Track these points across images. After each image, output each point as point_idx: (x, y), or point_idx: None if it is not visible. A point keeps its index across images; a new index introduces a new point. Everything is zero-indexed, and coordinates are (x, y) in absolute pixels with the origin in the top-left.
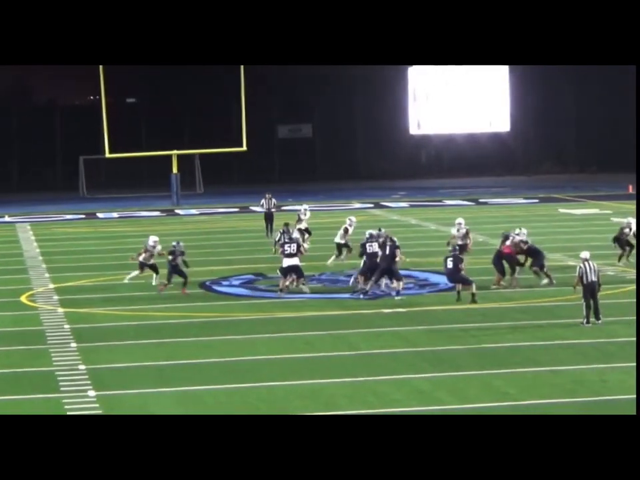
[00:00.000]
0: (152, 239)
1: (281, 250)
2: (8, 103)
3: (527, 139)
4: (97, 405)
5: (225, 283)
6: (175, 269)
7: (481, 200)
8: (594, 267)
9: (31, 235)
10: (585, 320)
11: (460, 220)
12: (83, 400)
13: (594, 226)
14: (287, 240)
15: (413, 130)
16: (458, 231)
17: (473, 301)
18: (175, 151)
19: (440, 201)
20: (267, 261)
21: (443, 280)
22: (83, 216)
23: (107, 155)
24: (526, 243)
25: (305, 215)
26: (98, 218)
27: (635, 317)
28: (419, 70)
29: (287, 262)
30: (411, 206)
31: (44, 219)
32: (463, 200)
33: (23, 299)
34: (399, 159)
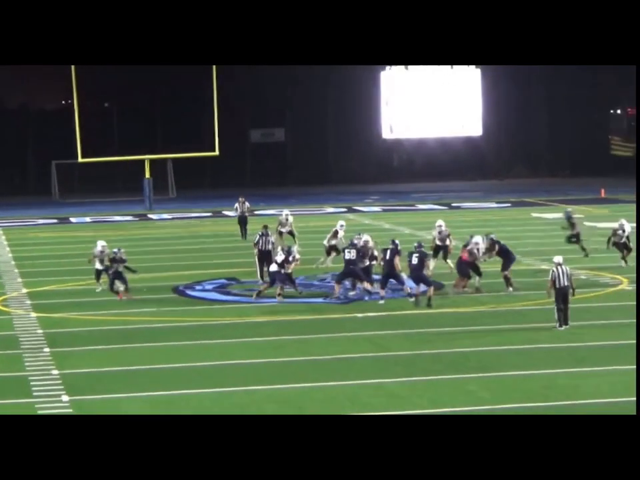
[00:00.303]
0: (100, 244)
1: (257, 251)
2: None
3: (499, 143)
4: (71, 410)
5: (198, 287)
6: (116, 275)
7: (453, 204)
8: (567, 271)
9: (4, 240)
10: (558, 324)
11: (440, 222)
12: (56, 405)
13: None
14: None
15: (386, 134)
16: (440, 233)
17: (429, 305)
18: (148, 156)
19: (413, 205)
20: (241, 265)
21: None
22: (56, 220)
23: (80, 159)
24: (497, 242)
25: (287, 220)
26: (71, 222)
27: (635, 318)
28: (392, 73)
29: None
30: (384, 210)
31: (16, 223)
32: (436, 204)
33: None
34: (371, 162)
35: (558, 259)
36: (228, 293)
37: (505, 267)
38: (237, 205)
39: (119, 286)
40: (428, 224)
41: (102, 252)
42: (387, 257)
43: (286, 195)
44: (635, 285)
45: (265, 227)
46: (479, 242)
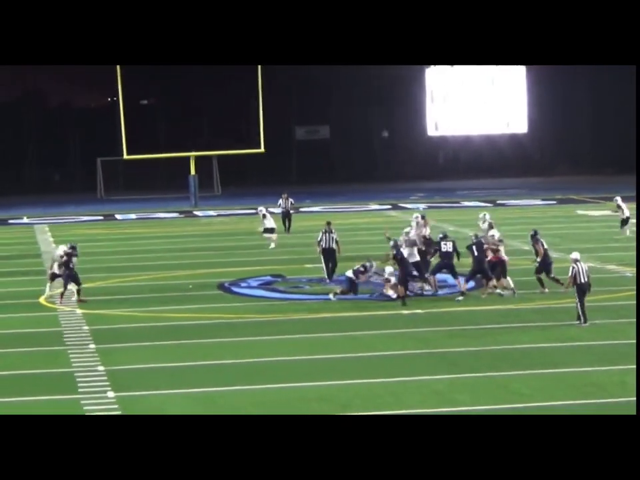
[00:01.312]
0: (62, 249)
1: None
2: (22, 106)
3: (544, 141)
4: (116, 406)
5: (243, 284)
6: (71, 276)
7: (498, 201)
8: (585, 267)
9: (49, 237)
10: (583, 319)
11: (483, 213)
12: (102, 401)
13: (612, 227)
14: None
15: (431, 131)
16: (483, 222)
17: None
18: (193, 153)
19: (457, 202)
20: (286, 262)
21: (462, 281)
22: (101, 217)
23: (125, 156)
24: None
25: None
26: (116, 219)
27: (636, 318)
28: (437, 71)
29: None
30: (429, 207)
31: (62, 220)
32: (481, 201)
33: (42, 300)
34: (416, 160)
35: (575, 255)
36: (273, 290)
37: (542, 269)
38: (280, 201)
39: (73, 287)
40: (473, 221)
41: (61, 257)
42: (476, 253)
43: (331, 192)
44: None
45: (328, 224)
46: (495, 235)
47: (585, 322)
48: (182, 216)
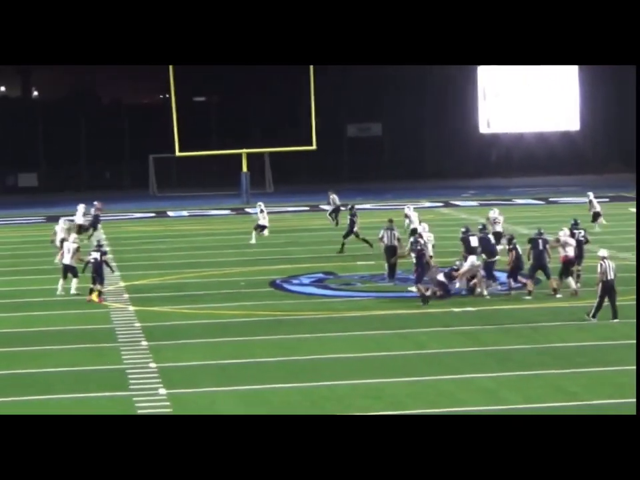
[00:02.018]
0: (72, 237)
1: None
2: (74, 103)
3: (596, 138)
4: (168, 404)
5: (295, 281)
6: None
7: (550, 199)
8: (612, 265)
9: (102, 234)
10: (592, 315)
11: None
12: (154, 398)
13: None
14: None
15: (483, 129)
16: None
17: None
18: (245, 150)
19: (509, 200)
20: (338, 259)
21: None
22: (153, 214)
23: (177, 153)
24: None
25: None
26: (168, 216)
27: (636, 318)
28: (489, 68)
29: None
30: (480, 205)
31: (114, 217)
32: (533, 199)
33: (94, 297)
34: (468, 157)
35: (603, 252)
36: (325, 287)
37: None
38: (330, 197)
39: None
40: (524, 218)
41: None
42: (540, 247)
43: (382, 190)
44: None
45: (390, 221)
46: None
47: (594, 317)
48: (234, 213)
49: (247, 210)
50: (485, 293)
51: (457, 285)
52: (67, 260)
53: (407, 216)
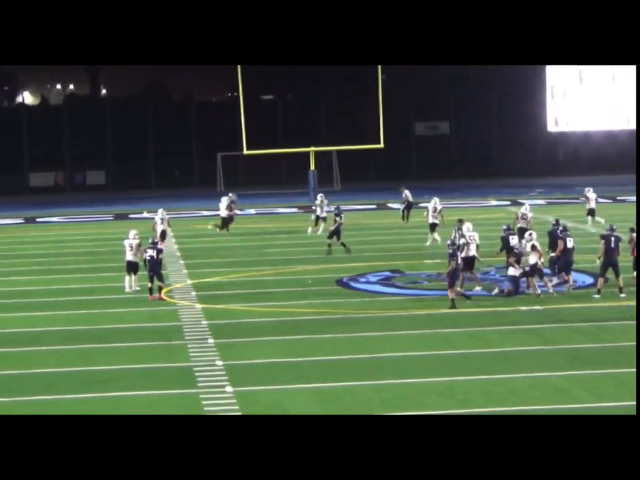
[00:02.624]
0: (132, 233)
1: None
2: (145, 100)
3: None
4: (234, 401)
5: (362, 279)
6: (154, 267)
7: (619, 197)
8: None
9: (169, 231)
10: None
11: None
12: (221, 396)
13: None
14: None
15: (551, 127)
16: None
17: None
18: (312, 148)
19: (577, 198)
20: (405, 258)
21: (581, 277)
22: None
23: (245, 151)
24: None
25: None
26: (236, 214)
27: (636, 318)
28: (557, 67)
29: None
30: (548, 203)
31: (182, 215)
32: (601, 197)
33: (162, 294)
34: (536, 155)
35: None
36: (392, 286)
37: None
38: (405, 193)
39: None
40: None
41: (132, 246)
42: (612, 245)
43: (449, 188)
44: None
45: (460, 221)
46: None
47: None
48: (301, 211)
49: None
50: (539, 292)
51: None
52: (130, 256)
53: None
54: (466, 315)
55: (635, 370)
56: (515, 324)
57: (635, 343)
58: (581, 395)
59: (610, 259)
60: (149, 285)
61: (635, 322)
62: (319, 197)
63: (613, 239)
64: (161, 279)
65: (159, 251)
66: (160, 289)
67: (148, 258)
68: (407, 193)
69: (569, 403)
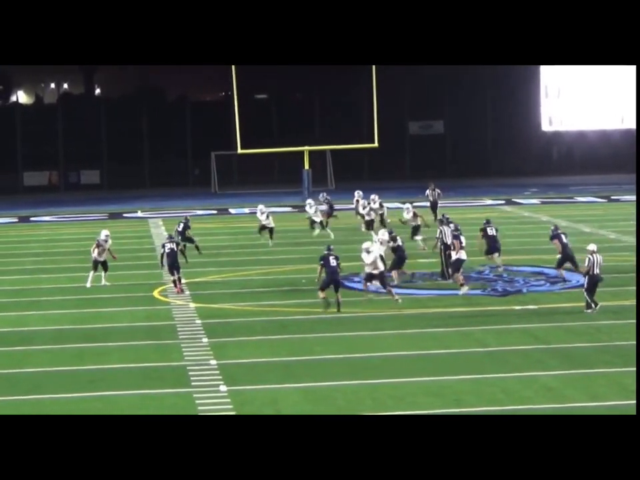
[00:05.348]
0: (103, 233)
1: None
2: (140, 100)
3: None
4: (229, 400)
5: (355, 278)
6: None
7: (612, 197)
8: (600, 260)
9: (163, 231)
10: (588, 307)
11: (407, 205)
12: (215, 395)
13: None
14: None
15: (545, 126)
16: (407, 214)
17: (338, 308)
18: (307, 147)
19: (571, 198)
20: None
21: (575, 277)
22: (215, 212)
23: (239, 150)
24: None
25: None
26: (229, 214)
27: (636, 318)
28: (551, 66)
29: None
30: (542, 202)
31: (176, 214)
32: (595, 197)
33: (155, 293)
34: (530, 155)
35: (592, 246)
36: (385, 285)
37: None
38: (428, 191)
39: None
40: (586, 217)
41: (105, 241)
42: (564, 241)
43: (444, 187)
44: None
45: (446, 219)
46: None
47: (596, 306)
48: (295, 210)
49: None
50: None
51: None
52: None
53: None
54: (457, 314)
55: (626, 369)
56: (508, 323)
57: (635, 344)
58: (572, 395)
59: (566, 253)
60: (173, 277)
61: (628, 321)
62: (307, 203)
63: (562, 236)
64: (178, 271)
65: (177, 244)
66: (179, 279)
67: (168, 251)
68: (428, 192)
69: (561, 403)
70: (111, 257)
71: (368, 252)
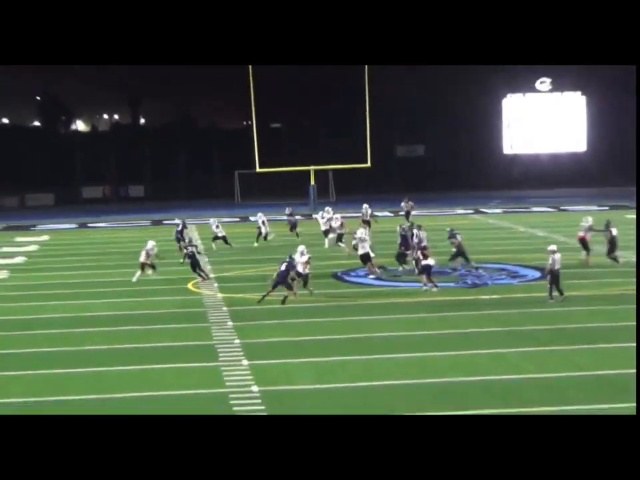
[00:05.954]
0: (150, 243)
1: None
2: (176, 127)
3: (600, 157)
4: (249, 372)
5: (352, 273)
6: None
7: (562, 207)
8: (559, 257)
9: (196, 235)
10: (550, 297)
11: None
12: (238, 368)
13: None
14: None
15: (507, 150)
16: (322, 217)
17: (283, 302)
18: (312, 167)
19: (528, 208)
20: (390, 256)
21: (531, 272)
22: (238, 219)
23: (258, 169)
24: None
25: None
26: (250, 221)
27: (636, 318)
28: (512, 100)
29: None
30: (504, 212)
31: (207, 221)
32: (547, 207)
33: (190, 286)
34: (494, 173)
35: (553, 247)
36: (378, 279)
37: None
38: (402, 203)
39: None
40: (541, 223)
41: (152, 249)
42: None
43: (425, 199)
44: None
45: (413, 224)
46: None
47: (562, 295)
48: (303, 218)
49: (314, 216)
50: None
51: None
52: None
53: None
54: (437, 302)
55: (575, 347)
56: (478, 310)
57: None
58: (526, 367)
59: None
60: (200, 274)
61: (579, 308)
62: (320, 215)
63: (458, 236)
64: (200, 268)
65: (196, 247)
66: (201, 273)
67: (190, 253)
68: (403, 204)
69: (515, 374)
70: (156, 258)
71: (302, 254)
